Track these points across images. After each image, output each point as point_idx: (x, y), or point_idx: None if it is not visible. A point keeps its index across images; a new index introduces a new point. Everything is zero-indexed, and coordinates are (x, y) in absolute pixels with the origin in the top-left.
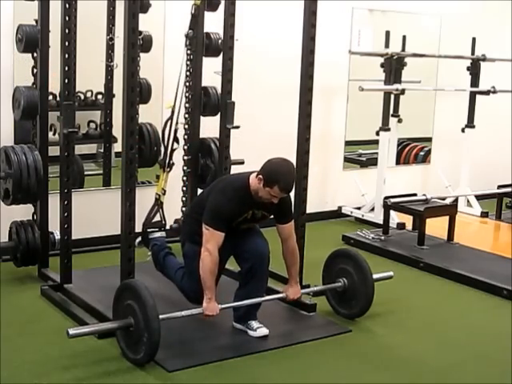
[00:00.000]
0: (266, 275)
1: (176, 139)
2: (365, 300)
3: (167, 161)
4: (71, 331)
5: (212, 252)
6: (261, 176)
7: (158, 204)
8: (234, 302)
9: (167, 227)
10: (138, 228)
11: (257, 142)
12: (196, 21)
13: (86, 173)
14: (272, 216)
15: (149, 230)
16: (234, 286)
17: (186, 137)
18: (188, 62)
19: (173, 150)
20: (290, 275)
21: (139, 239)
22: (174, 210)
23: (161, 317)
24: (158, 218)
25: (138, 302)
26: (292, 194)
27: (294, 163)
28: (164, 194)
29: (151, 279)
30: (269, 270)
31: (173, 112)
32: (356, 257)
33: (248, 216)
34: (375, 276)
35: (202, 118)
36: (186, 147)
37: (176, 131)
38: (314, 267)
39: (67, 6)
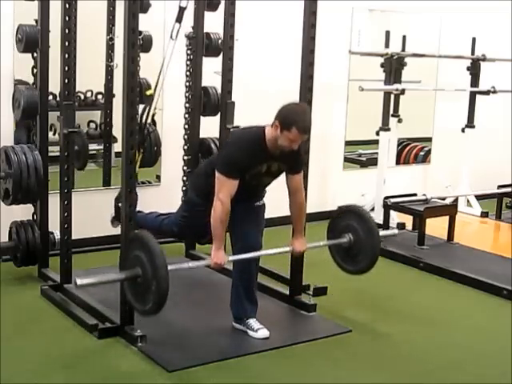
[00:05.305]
0: (257, 266)
1: (153, 122)
2: (371, 253)
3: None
4: (78, 281)
5: (224, 202)
6: (277, 122)
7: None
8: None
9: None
10: None
11: None
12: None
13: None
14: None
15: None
16: None
17: (186, 137)
18: (188, 62)
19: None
20: (295, 229)
21: (113, 214)
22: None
23: (169, 267)
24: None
25: (145, 251)
26: None
27: None
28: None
29: None
30: (268, 270)
31: (152, 99)
32: (361, 212)
33: (262, 170)
34: (381, 233)
35: (202, 117)
36: (186, 147)
37: (154, 115)
38: (314, 267)
39: (67, 5)
